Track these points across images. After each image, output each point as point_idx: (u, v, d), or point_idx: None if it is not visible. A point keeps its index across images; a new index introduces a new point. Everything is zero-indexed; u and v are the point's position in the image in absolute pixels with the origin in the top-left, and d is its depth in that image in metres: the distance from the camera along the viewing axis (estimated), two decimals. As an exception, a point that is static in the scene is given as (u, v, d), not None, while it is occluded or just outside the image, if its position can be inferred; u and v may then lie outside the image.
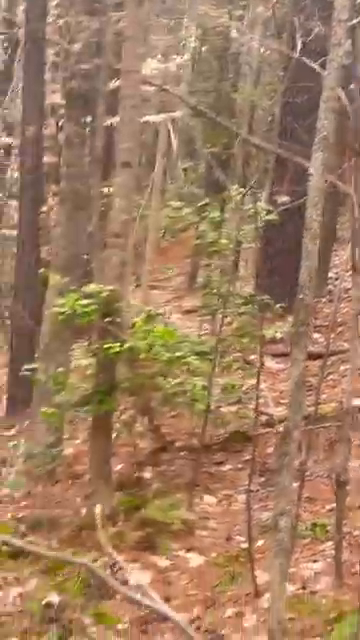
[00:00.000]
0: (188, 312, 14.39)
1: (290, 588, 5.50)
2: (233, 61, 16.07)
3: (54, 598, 5.96)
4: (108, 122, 12.21)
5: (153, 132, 19.09)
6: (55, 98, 14.06)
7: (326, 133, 3.45)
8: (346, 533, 5.85)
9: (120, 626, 5.66)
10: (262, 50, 15.73)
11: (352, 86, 3.97)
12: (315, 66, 4.45)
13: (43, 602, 5.91)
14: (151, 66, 13.62)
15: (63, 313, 6.97)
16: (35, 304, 11.36)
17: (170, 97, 14.44)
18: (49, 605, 5.90)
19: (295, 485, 6.04)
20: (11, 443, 9.14)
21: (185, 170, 21.38)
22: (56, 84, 14.41)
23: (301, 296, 3.62)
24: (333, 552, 5.64)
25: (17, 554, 6.84)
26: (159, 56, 14.62)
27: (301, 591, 5.56)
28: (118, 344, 6.83)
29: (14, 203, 15.86)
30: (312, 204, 3.56)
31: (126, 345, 6.85)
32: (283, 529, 4.08)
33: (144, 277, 15.18)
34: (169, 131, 17.08)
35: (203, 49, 16.15)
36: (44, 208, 12.94)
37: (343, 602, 5.20)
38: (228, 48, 15.26)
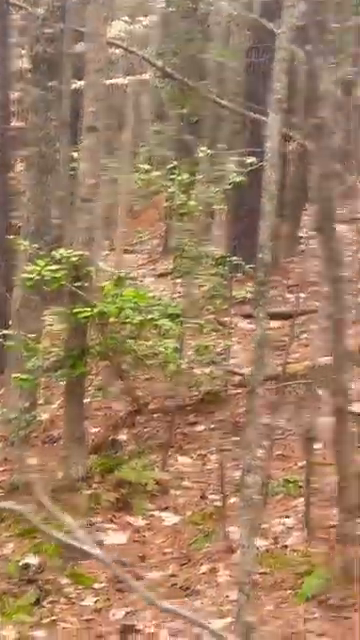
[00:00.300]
0: (162, 275, 14.43)
1: (263, 543, 5.62)
2: (202, 21, 15.95)
3: (31, 560, 6.05)
4: (75, 86, 12.16)
5: (123, 95, 18.98)
6: (21, 63, 13.96)
7: (280, 96, 3.48)
8: (317, 488, 5.95)
9: (96, 585, 5.76)
10: (231, 10, 15.62)
11: (308, 47, 4.00)
12: (271, 27, 4.47)
13: (20, 564, 6.01)
14: (118, 28, 13.52)
15: (32, 279, 6.98)
16: (7, 271, 11.34)
17: (139, 59, 14.35)
18: (26, 567, 5.99)
19: (267, 443, 6.16)
20: (-15, 409, 9.16)
21: (156, 132, 21.28)
22: (22, 49, 14.29)
23: (260, 255, 3.67)
24: (304, 508, 5.75)
25: (-6, 518, 6.92)
26: (126, 17, 14.52)
27: (273, 546, 5.67)
28: (88, 309, 6.86)
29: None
30: (269, 165, 3.59)
31: (96, 309, 6.88)
32: (251, 485, 4.15)
33: (117, 241, 15.16)
34: (139, 93, 16.99)
35: (170, 10, 16.05)
36: (12, 174, 12.88)
37: (313, 555, 5.31)
38: (196, 8, 15.13)
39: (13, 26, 13.53)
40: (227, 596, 5.14)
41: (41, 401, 9.17)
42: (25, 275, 7.08)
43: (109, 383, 8.46)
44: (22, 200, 9.11)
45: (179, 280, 10.24)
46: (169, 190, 9.14)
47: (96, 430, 8.45)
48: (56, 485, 7.10)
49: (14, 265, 9.95)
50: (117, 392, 8.40)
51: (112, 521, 6.60)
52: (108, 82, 11.55)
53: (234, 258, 8.59)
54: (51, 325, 8.68)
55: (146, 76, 14.75)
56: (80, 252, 6.95)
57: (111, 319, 7.07)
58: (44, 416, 8.92)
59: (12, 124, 12.96)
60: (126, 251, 16.05)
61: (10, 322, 9.64)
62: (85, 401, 7.53)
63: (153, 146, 19.29)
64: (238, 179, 8.88)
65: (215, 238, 14.94)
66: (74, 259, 6.93)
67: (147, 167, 11.02)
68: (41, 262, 6.91)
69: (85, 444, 7.35)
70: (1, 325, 10.23)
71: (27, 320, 8.14)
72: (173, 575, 5.75)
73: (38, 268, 6.88)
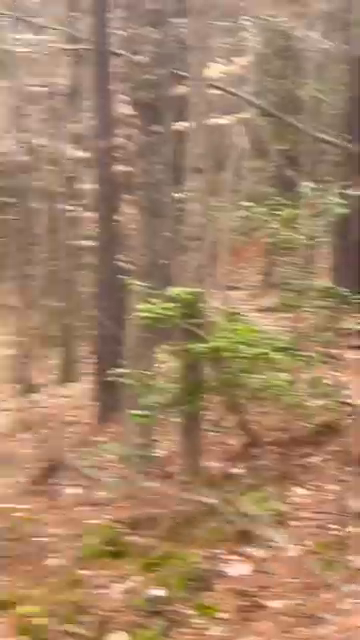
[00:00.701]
0: (264, 310, 14.54)
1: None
2: (296, 58, 16.15)
3: (157, 592, 6.18)
4: (176, 127, 12.45)
5: (221, 133, 19.26)
6: (124, 109, 14.32)
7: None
8: None
9: (223, 615, 5.85)
10: (325, 45, 15.78)
11: None
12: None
13: (147, 596, 6.14)
14: (217, 70, 13.78)
15: (147, 317, 7.19)
16: (118, 311, 11.62)
17: (235, 97, 14.59)
18: (153, 599, 6.12)
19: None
20: (104, 447, 9.39)
21: (256, 169, 21.48)
22: (124, 95, 14.67)
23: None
24: None
25: (120, 553, 7.08)
26: (221, 59, 14.79)
27: None
28: (202, 344, 7.02)
29: (86, 214, 16.25)
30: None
31: (210, 345, 7.04)
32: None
33: (220, 278, 15.36)
34: (237, 132, 17.23)
35: (266, 49, 16.29)
36: (119, 217, 13.22)
37: None
38: (290, 46, 15.34)
39: (113, 72, 13.93)
40: (358, 627, 5.18)
41: (156, 437, 9.36)
42: (140, 314, 7.28)
43: (223, 417, 8.59)
44: (131, 242, 9.41)
45: (285, 314, 10.35)
46: (271, 226, 9.28)
47: (211, 464, 8.56)
48: (177, 519, 7.23)
49: (125, 305, 10.21)
50: (231, 426, 8.51)
51: (234, 552, 6.68)
52: (211, 122, 11.79)
53: (342, 289, 8.65)
54: (164, 362, 8.86)
55: (245, 115, 14.98)
56: (193, 290, 7.14)
57: (225, 354, 7.21)
58: (160, 452, 9.09)
59: (117, 169, 13.30)
60: (228, 287, 16.23)
61: (124, 361, 9.91)
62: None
63: (253, 183, 19.49)
64: (341, 211, 8.98)
65: (318, 270, 14.99)
66: (186, 296, 7.12)
67: (249, 204, 11.19)
68: (156, 301, 7.11)
69: (204, 479, 7.47)
70: (115, 365, 10.51)
71: (142, 358, 8.37)
72: (299, 604, 5.80)
73: (153, 307, 7.08)
